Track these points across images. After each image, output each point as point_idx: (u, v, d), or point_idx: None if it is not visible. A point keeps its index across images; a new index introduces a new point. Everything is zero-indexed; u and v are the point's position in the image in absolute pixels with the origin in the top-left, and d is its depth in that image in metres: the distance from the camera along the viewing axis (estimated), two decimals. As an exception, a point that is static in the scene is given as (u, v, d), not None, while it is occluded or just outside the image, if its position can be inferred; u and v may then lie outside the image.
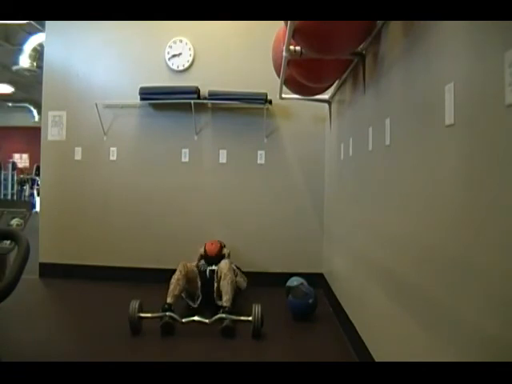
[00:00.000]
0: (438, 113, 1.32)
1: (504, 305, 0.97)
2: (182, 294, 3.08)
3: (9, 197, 12.15)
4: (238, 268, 3.49)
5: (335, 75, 2.73)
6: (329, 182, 3.86)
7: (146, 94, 3.99)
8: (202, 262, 3.34)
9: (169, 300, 2.82)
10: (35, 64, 7.32)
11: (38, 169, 11.50)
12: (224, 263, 3.14)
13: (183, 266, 3.07)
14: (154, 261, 4.04)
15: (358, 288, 2.50)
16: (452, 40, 1.27)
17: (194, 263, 3.35)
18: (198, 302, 3.12)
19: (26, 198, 11.98)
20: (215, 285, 3.07)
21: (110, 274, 3.99)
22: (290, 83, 2.90)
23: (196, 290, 3.16)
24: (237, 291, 3.19)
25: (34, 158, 12.88)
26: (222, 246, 3.53)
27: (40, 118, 7.63)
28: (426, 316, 1.43)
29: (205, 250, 3.45)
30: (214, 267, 3.20)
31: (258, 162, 4.10)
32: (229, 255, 3.55)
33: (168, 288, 2.92)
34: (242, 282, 3.42)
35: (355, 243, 2.61)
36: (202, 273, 3.20)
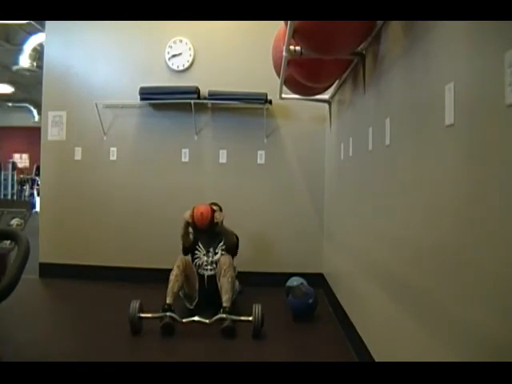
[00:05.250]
0: (438, 113, 1.32)
1: (504, 304, 0.97)
2: (180, 293, 3.05)
3: (9, 197, 12.15)
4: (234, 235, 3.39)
5: (335, 75, 2.73)
6: (329, 181, 3.86)
7: (146, 94, 3.99)
8: (200, 259, 3.27)
9: (168, 300, 2.81)
10: (35, 64, 7.33)
11: (38, 169, 11.50)
12: (224, 259, 3.05)
13: (181, 261, 3.01)
14: (153, 261, 4.03)
15: (358, 288, 2.50)
16: (452, 40, 1.27)
17: (181, 231, 3.14)
18: (195, 303, 3.11)
19: (26, 198, 11.99)
20: (218, 284, 2.98)
21: (110, 274, 4.00)
22: (290, 83, 2.90)
23: (193, 291, 3.14)
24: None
25: (34, 158, 12.88)
26: (214, 211, 3.14)
27: (40, 118, 7.63)
28: (427, 316, 1.43)
29: (193, 219, 3.08)
30: (211, 272, 3.13)
31: (258, 162, 4.10)
32: (222, 222, 3.16)
33: (167, 285, 2.90)
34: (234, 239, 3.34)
35: (355, 243, 2.61)
36: (200, 277, 3.18)
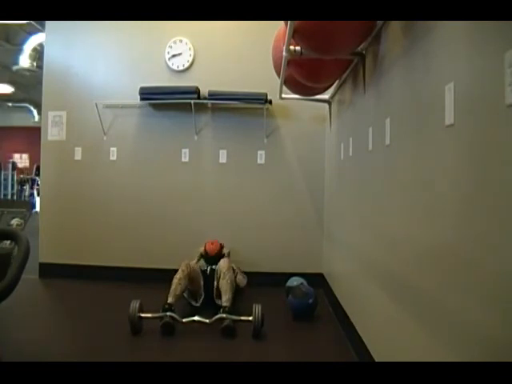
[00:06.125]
0: (438, 113, 1.32)
1: (504, 304, 0.97)
2: (184, 294, 3.08)
3: (9, 197, 12.15)
4: (237, 268, 3.51)
5: (335, 75, 2.73)
6: (329, 181, 3.86)
7: (146, 94, 3.99)
8: (202, 261, 3.37)
9: (170, 300, 2.81)
10: (35, 64, 7.33)
11: (38, 169, 11.50)
12: (223, 262, 3.14)
13: (186, 266, 3.07)
14: (154, 261, 4.04)
15: (358, 288, 2.50)
16: (452, 40, 1.27)
17: (194, 261, 3.36)
18: (201, 301, 3.13)
19: (26, 198, 11.99)
20: (215, 284, 3.07)
21: (110, 274, 4.00)
22: (290, 83, 2.90)
23: (199, 289, 3.16)
24: (237, 288, 3.22)
25: (34, 158, 12.88)
26: (222, 246, 3.53)
27: (40, 118, 7.63)
28: (427, 316, 1.43)
29: (205, 250, 3.46)
30: (214, 266, 3.21)
31: (258, 162, 4.10)
32: (228, 254, 3.55)
33: (169, 287, 2.92)
34: (242, 279, 3.45)
35: (355, 243, 2.61)
36: (203, 272, 3.22)
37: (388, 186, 1.93)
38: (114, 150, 4.19)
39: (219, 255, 3.42)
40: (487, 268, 1.04)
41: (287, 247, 4.04)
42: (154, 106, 4.12)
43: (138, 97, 4.00)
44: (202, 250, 3.51)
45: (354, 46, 2.18)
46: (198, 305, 3.11)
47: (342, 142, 3.05)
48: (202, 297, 3.13)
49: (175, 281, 2.95)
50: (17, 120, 13.39)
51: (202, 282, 3.16)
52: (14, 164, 12.98)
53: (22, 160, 14.46)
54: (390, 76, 1.92)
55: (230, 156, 4.11)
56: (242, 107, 4.03)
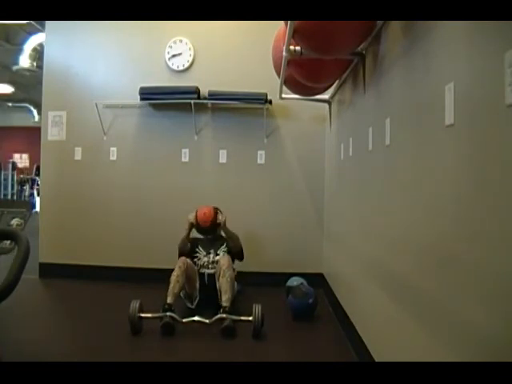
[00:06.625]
0: (438, 113, 1.32)
1: (504, 304, 0.97)
2: (181, 294, 3.06)
3: (9, 197, 12.16)
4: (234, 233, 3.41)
5: (335, 75, 2.73)
6: (329, 181, 3.86)
7: (146, 94, 3.99)
8: (201, 257, 3.31)
9: (169, 300, 2.81)
10: (35, 64, 7.34)
11: (38, 169, 11.50)
12: (223, 260, 3.06)
13: (183, 262, 3.04)
14: (154, 261, 4.03)
15: (358, 288, 2.50)
16: (452, 40, 1.27)
17: (184, 233, 3.27)
18: (196, 302, 3.11)
19: (26, 198, 11.99)
20: (217, 285, 3.00)
21: (110, 274, 4.00)
22: (290, 83, 2.90)
23: (194, 290, 3.15)
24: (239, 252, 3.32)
25: (34, 158, 12.88)
26: (216, 213, 3.28)
27: (40, 118, 7.64)
28: (427, 316, 1.43)
29: (196, 219, 3.24)
30: (211, 271, 3.17)
31: (258, 162, 4.10)
32: (225, 223, 3.31)
33: (168, 285, 2.91)
34: (236, 246, 3.37)
35: (355, 243, 2.61)
36: (200, 275, 3.20)
37: (388, 186, 1.93)
38: (113, 149, 4.19)
39: (214, 225, 3.23)
40: (487, 268, 1.04)
41: (287, 247, 4.04)
42: (154, 106, 4.12)
43: (138, 97, 4.00)
44: (192, 218, 3.26)
45: (354, 45, 2.18)
46: (193, 307, 3.09)
47: (342, 142, 3.05)
48: (197, 299, 3.12)
49: (173, 278, 2.93)
50: (17, 120, 13.39)
51: (197, 285, 3.14)
52: (14, 164, 12.98)
53: (21, 160, 14.46)
54: (390, 76, 1.92)
55: (230, 156, 4.11)
56: (242, 107, 4.03)
